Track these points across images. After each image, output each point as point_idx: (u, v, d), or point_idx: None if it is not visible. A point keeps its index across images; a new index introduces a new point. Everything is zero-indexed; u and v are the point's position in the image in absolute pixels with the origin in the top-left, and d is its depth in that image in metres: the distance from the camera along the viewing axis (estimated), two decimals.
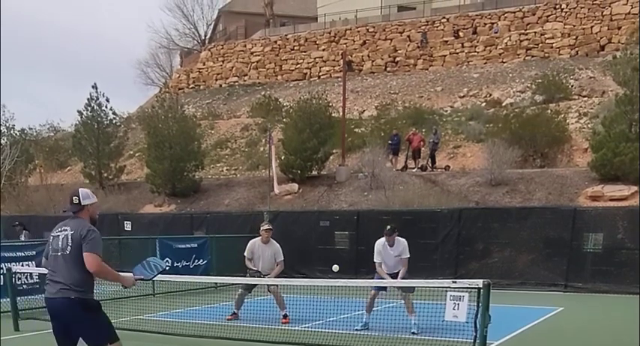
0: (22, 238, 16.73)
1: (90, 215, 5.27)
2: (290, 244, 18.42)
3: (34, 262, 12.55)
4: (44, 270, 12.98)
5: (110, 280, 5.21)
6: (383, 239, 9.92)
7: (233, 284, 11.92)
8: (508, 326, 9.89)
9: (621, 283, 14.61)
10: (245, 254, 11.16)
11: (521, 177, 21.60)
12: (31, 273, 12.35)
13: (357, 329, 9.74)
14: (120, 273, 5.30)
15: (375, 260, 9.96)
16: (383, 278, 9.84)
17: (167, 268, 5.72)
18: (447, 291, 7.37)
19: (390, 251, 9.87)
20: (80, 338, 5.20)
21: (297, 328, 9.68)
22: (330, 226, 18.46)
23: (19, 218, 20.37)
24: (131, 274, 5.44)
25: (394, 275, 9.86)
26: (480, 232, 16.57)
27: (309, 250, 18.30)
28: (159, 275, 5.57)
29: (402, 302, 9.97)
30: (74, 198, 5.24)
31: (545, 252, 15.82)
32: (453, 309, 7.11)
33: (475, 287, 6.89)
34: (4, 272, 11.01)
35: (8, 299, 10.50)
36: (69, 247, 5.06)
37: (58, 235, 5.17)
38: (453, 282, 7.32)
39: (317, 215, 19.33)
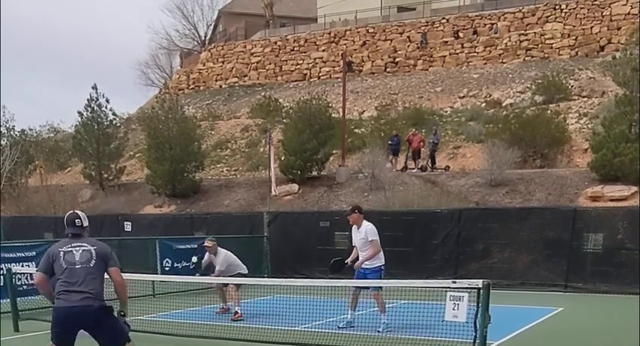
0: None
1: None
2: (290, 245, 18.54)
3: (33, 263, 12.55)
4: None
5: (121, 295, 5.81)
6: None
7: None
8: (508, 326, 9.88)
9: (621, 283, 14.58)
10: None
11: (521, 177, 21.61)
12: (31, 274, 12.35)
13: (339, 327, 9.76)
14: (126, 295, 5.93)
15: (353, 244, 10.11)
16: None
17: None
18: (446, 291, 7.37)
19: (355, 234, 9.96)
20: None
21: (297, 328, 9.67)
22: (330, 227, 18.44)
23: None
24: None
25: (368, 275, 9.75)
26: (480, 233, 16.56)
27: (309, 251, 18.29)
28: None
29: (402, 302, 9.99)
30: (77, 221, 5.79)
31: (545, 252, 15.80)
32: (453, 309, 7.11)
33: (475, 288, 6.89)
34: (4, 273, 11.02)
35: (8, 300, 10.49)
36: (93, 260, 5.60)
37: (71, 250, 5.63)
38: (453, 282, 7.32)
39: (317, 215, 19.32)
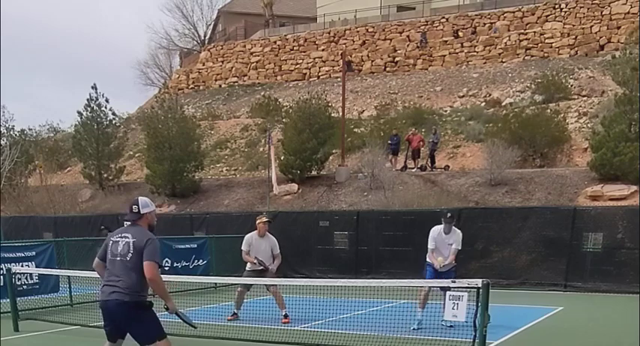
0: None
1: (149, 222, 5.61)
2: (289, 244, 18.45)
3: (33, 263, 12.56)
4: (44, 271, 13.00)
5: (158, 293, 5.52)
6: (439, 226, 9.96)
7: (232, 284, 11.90)
8: (507, 325, 9.89)
9: (621, 283, 14.60)
10: (242, 247, 11.17)
11: (520, 177, 21.60)
12: (30, 274, 12.36)
13: (414, 329, 9.58)
14: (167, 294, 5.62)
15: (429, 247, 9.97)
16: (432, 267, 9.83)
17: (193, 326, 6.16)
18: (446, 291, 7.38)
19: (444, 238, 9.89)
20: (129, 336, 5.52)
21: (297, 328, 9.67)
22: (329, 226, 18.44)
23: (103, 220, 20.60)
24: (176, 308, 5.73)
25: (443, 274, 9.69)
26: (480, 232, 16.55)
27: (309, 250, 18.30)
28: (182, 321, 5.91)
29: (402, 302, 9.98)
30: (134, 207, 5.57)
31: (545, 251, 15.80)
32: (453, 309, 7.12)
33: (474, 287, 6.89)
34: (4, 272, 11.01)
35: (8, 300, 10.49)
36: (130, 254, 5.38)
37: (118, 241, 5.48)
38: (453, 282, 7.33)
39: (316, 215, 19.31)
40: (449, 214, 10.09)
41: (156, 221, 5.68)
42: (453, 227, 10.01)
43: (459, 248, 9.92)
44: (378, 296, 10.27)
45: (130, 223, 5.58)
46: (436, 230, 9.99)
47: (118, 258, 5.40)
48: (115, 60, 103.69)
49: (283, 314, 10.77)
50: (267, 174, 23.01)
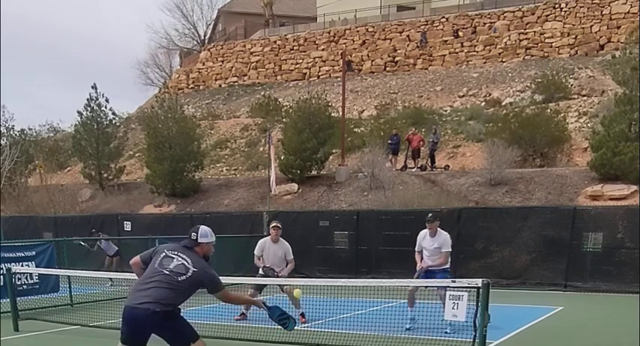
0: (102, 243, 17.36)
1: (204, 252, 5.57)
2: (289, 244, 18.49)
3: (33, 262, 12.57)
4: (44, 271, 12.98)
5: (245, 304, 5.56)
6: (426, 230, 9.91)
7: (232, 284, 11.84)
8: (507, 325, 9.89)
9: (621, 282, 14.61)
10: (255, 252, 11.18)
11: (520, 176, 21.60)
12: (30, 274, 12.37)
13: (407, 329, 9.61)
14: (251, 298, 5.84)
15: (416, 249, 10.00)
16: (420, 268, 9.82)
17: (290, 328, 6.37)
18: (446, 291, 7.38)
19: (429, 241, 9.82)
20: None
21: (297, 328, 9.64)
22: (329, 226, 18.45)
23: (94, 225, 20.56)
24: (262, 299, 5.94)
25: (430, 273, 9.72)
26: (480, 232, 16.57)
27: (309, 250, 18.28)
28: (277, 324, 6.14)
29: (402, 301, 9.99)
30: (192, 233, 5.55)
31: (545, 251, 15.81)
32: (453, 309, 7.12)
33: (474, 287, 6.90)
34: (4, 272, 11.01)
35: (8, 300, 10.49)
36: (183, 276, 5.33)
37: (173, 257, 5.42)
38: (453, 282, 7.34)
39: (316, 215, 19.32)
40: (430, 215, 10.04)
41: (212, 253, 5.64)
42: (439, 229, 9.87)
43: (449, 250, 9.81)
44: (378, 296, 10.26)
45: (183, 245, 5.53)
46: (422, 234, 9.97)
47: (166, 272, 5.31)
48: (115, 60, 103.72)
49: (299, 313, 10.76)
50: (267, 174, 22.99)
